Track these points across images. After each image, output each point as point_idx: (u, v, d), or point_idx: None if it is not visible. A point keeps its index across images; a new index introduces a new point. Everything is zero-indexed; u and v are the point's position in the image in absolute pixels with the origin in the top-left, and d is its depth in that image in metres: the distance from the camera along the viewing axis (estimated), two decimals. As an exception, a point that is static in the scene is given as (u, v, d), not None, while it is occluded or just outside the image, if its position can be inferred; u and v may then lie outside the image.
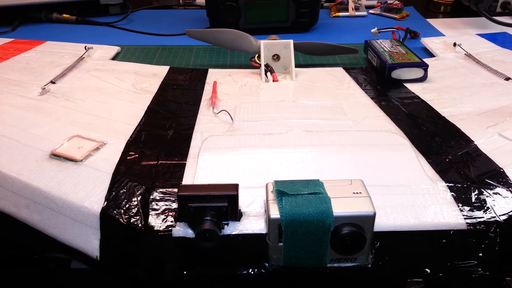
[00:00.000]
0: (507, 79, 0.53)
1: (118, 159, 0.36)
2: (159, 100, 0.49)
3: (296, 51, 0.59)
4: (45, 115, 0.44)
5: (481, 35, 0.72)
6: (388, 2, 0.94)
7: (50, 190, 0.33)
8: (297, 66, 0.57)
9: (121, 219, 0.31)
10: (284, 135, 0.41)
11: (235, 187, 0.30)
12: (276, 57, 0.58)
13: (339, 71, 0.59)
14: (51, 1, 0.86)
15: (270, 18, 0.78)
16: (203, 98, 0.50)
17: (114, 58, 0.66)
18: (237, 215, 0.30)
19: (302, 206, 0.28)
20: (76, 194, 0.33)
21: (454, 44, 0.65)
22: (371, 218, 0.28)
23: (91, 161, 0.36)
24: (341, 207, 0.28)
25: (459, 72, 0.57)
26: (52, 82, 0.52)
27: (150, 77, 0.56)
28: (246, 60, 0.63)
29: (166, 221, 0.31)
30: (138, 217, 0.31)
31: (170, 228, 0.30)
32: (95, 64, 0.60)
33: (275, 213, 0.28)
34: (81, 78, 0.55)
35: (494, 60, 0.60)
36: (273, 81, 0.55)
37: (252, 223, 0.31)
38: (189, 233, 0.30)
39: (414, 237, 0.31)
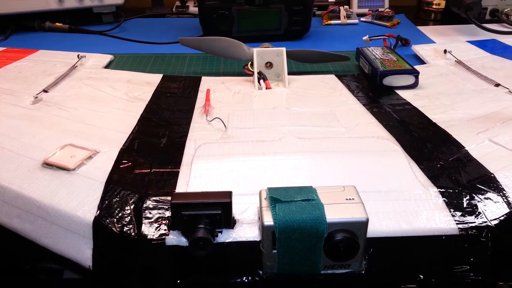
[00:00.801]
0: (497, 85, 0.54)
1: (111, 168, 0.36)
2: (152, 108, 0.49)
3: (288, 59, 0.59)
4: (37, 124, 0.44)
5: (471, 42, 0.73)
6: (379, 10, 0.96)
7: (42, 200, 0.33)
8: (289, 73, 0.58)
9: (114, 228, 0.31)
10: (277, 142, 0.41)
11: (229, 194, 0.30)
12: (269, 65, 0.58)
13: (332, 79, 0.59)
14: (43, 9, 0.85)
15: (263, 26, 0.78)
16: (196, 106, 0.50)
17: (107, 67, 0.66)
18: (230, 223, 0.30)
19: (295, 212, 0.28)
20: (69, 203, 0.33)
21: (445, 51, 0.65)
22: (364, 224, 0.28)
23: (83, 170, 0.36)
24: (334, 213, 0.28)
25: (449, 79, 0.58)
26: (45, 90, 0.52)
27: (143, 85, 0.56)
28: (239, 68, 0.63)
29: (159, 230, 0.31)
30: (131, 225, 0.31)
31: (163, 237, 0.30)
32: (88, 73, 0.60)
33: (268, 220, 0.28)
34: (74, 87, 0.55)
35: (484, 66, 0.61)
36: (266, 88, 0.55)
37: (245, 230, 0.31)
38: (183, 241, 0.30)
39: (407, 243, 0.31)
